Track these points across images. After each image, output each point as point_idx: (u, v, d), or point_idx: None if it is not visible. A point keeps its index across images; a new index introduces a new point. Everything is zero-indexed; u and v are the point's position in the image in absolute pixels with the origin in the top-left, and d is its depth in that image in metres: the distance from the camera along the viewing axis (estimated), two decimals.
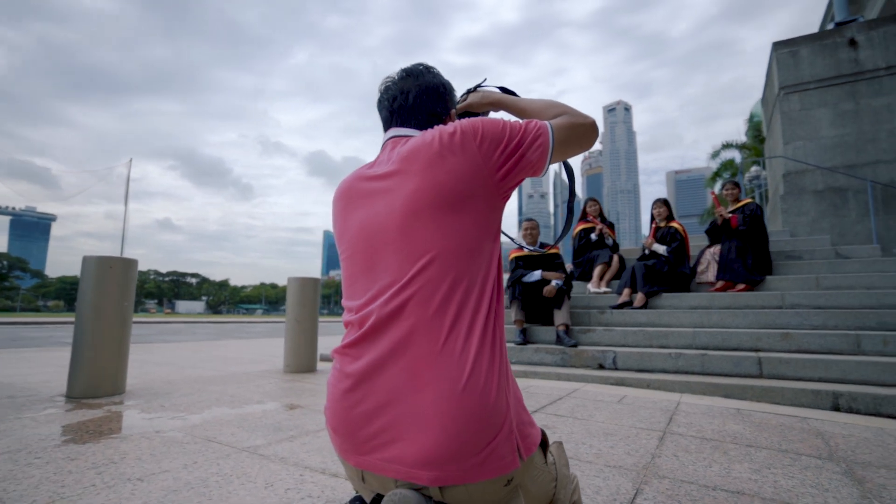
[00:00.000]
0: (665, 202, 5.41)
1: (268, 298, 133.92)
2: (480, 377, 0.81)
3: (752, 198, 6.13)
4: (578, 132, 0.99)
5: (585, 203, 5.97)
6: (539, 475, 0.92)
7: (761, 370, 3.47)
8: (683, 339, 4.05)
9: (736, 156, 23.70)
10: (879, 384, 3.12)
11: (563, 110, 1.04)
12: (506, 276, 4.87)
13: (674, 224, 5.27)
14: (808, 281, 4.54)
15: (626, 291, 4.94)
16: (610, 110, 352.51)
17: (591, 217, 5.87)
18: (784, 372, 3.40)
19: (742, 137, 25.83)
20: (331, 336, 9.12)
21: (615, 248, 5.73)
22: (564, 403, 2.98)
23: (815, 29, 19.75)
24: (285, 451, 1.89)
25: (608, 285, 5.37)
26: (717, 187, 23.64)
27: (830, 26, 6.70)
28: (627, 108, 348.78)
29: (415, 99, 1.04)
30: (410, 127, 1.05)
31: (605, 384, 3.69)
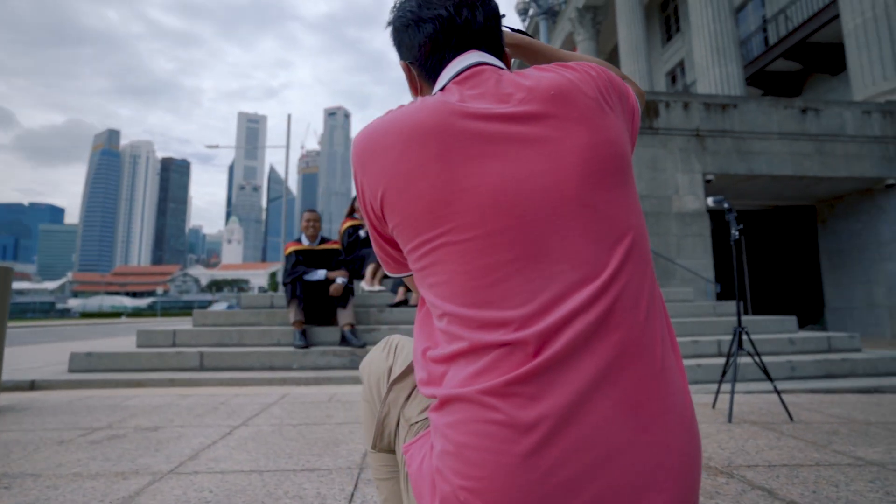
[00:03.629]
0: None
1: None
2: (691, 402, 0.64)
3: None
4: (641, 104, 0.86)
5: (354, 200, 5.84)
6: None
7: None
8: None
9: None
10: None
11: (622, 75, 0.92)
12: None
13: None
14: None
15: (401, 290, 5.06)
16: (331, 114, 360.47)
17: (359, 214, 5.79)
18: None
19: None
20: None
21: None
22: None
23: None
24: None
25: (381, 283, 5.39)
26: None
27: None
28: (347, 115, 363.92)
29: (485, 20, 0.72)
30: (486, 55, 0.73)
31: None
